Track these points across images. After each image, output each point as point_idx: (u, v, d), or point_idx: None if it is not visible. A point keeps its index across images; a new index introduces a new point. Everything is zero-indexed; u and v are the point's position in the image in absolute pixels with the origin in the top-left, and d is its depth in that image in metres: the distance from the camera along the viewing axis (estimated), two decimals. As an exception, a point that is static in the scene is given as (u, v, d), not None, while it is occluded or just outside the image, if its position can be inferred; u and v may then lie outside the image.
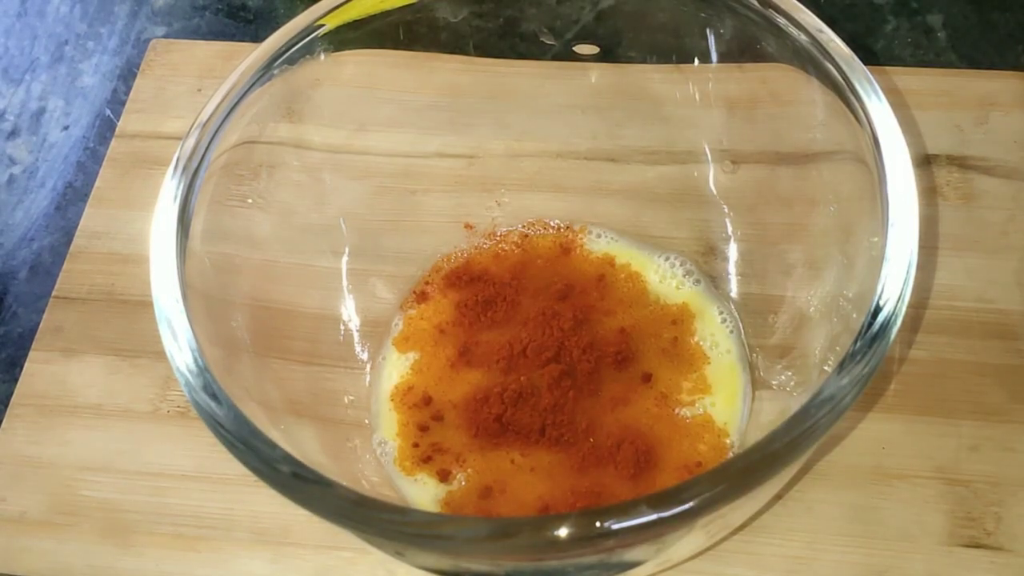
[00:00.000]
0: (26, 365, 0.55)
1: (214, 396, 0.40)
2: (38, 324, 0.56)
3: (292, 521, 0.49)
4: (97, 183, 0.61)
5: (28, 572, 0.50)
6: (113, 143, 0.62)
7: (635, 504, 0.36)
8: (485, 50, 0.55)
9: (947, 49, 0.62)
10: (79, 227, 0.59)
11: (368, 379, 0.53)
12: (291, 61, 0.49)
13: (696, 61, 0.52)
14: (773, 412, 0.49)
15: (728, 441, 0.49)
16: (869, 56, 0.61)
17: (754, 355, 0.52)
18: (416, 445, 0.50)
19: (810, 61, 0.46)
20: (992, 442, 0.49)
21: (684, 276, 0.54)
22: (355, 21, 0.50)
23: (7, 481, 0.52)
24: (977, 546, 0.47)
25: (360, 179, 0.54)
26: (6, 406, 0.54)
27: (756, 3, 0.47)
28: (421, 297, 0.55)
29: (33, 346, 0.56)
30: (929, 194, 0.56)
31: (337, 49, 0.50)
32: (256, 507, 0.50)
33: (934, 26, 0.63)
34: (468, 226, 0.56)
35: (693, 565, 0.47)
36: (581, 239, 0.55)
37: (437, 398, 0.52)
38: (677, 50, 0.52)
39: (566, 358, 0.50)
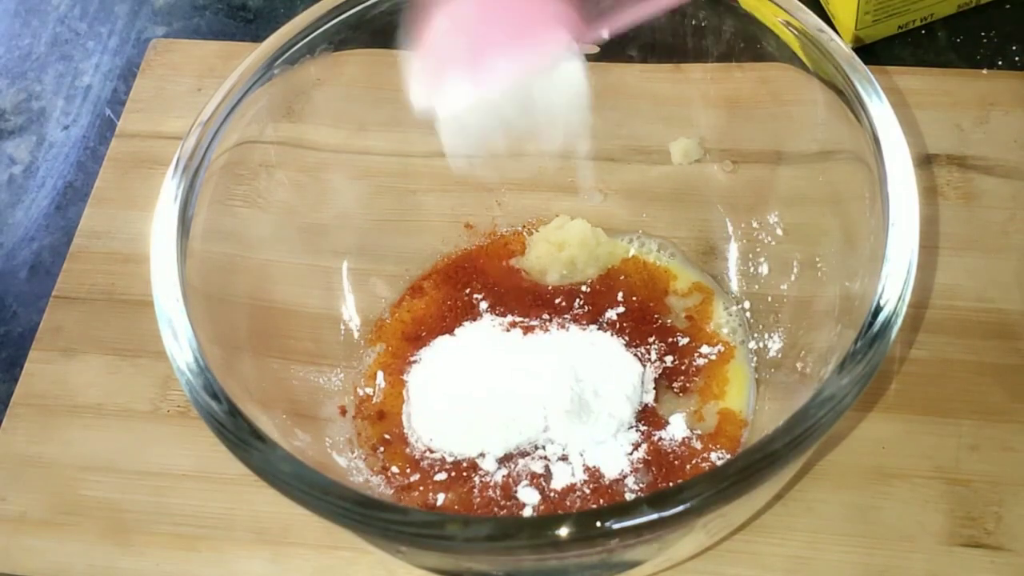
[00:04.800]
0: (26, 365, 0.55)
1: (214, 396, 0.40)
2: (38, 324, 0.56)
3: (292, 521, 0.49)
4: (97, 183, 0.61)
5: (28, 572, 0.50)
6: (113, 143, 0.62)
7: (635, 504, 0.37)
8: (485, 50, 0.55)
9: (947, 49, 0.62)
10: (79, 227, 0.59)
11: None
12: (291, 61, 0.49)
13: (696, 61, 0.52)
14: (773, 411, 0.49)
15: (740, 438, 0.49)
16: (869, 56, 0.61)
17: (755, 355, 0.52)
18: (384, 470, 0.50)
19: (810, 61, 0.46)
20: (992, 442, 0.49)
21: (684, 266, 0.54)
22: (355, 21, 0.50)
23: (7, 481, 0.52)
24: (977, 546, 0.47)
25: (360, 179, 0.54)
26: (6, 406, 0.54)
27: (756, 3, 0.47)
28: (416, 291, 0.55)
29: (33, 346, 0.56)
30: (929, 194, 0.56)
31: (337, 49, 0.50)
32: (256, 507, 0.50)
33: (934, 26, 0.63)
34: (468, 226, 0.56)
35: (693, 565, 0.47)
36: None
37: (392, 413, 0.51)
38: (677, 50, 0.52)
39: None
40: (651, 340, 0.52)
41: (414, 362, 0.52)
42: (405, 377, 0.52)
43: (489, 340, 0.52)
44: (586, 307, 0.53)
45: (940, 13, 0.62)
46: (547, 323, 0.52)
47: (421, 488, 0.49)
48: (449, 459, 0.49)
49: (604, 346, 0.51)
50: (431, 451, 0.50)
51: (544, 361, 0.50)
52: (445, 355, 0.52)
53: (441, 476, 0.49)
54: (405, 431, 0.50)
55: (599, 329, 0.52)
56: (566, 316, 0.53)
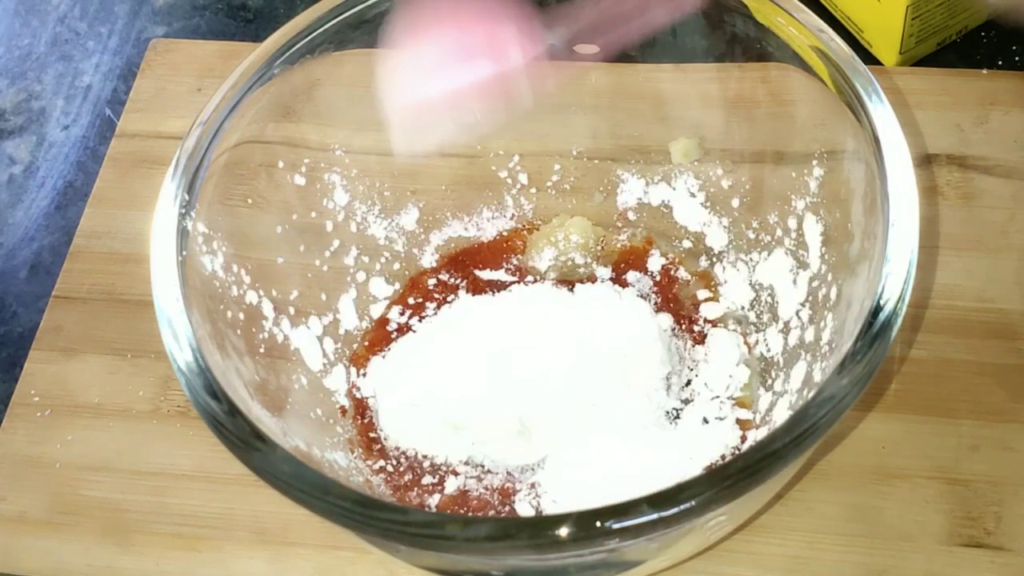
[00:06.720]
0: (26, 365, 0.55)
1: (214, 396, 0.40)
2: (38, 324, 0.56)
3: (292, 521, 0.49)
4: (97, 183, 0.61)
5: (28, 572, 0.50)
6: (113, 143, 0.62)
7: (635, 503, 0.37)
8: (485, 50, 0.55)
9: (947, 49, 0.62)
10: (79, 227, 0.59)
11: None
12: (291, 61, 0.49)
13: (696, 61, 0.52)
14: (774, 411, 0.49)
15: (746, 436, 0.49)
16: (869, 56, 0.61)
17: (755, 355, 0.52)
18: (383, 470, 0.50)
19: (810, 61, 0.46)
20: (992, 442, 0.49)
21: (685, 262, 0.55)
22: (355, 21, 0.50)
23: (7, 481, 0.52)
24: (977, 546, 0.47)
25: (360, 179, 0.54)
26: (6, 406, 0.54)
27: (756, 3, 0.47)
28: (416, 291, 0.55)
29: (33, 346, 0.56)
30: (929, 194, 0.56)
31: (337, 49, 0.50)
32: (256, 507, 0.50)
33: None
34: (469, 226, 0.57)
35: (693, 564, 0.47)
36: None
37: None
38: (677, 50, 0.52)
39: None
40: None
41: (384, 359, 0.53)
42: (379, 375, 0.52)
43: (478, 333, 0.51)
44: (586, 300, 0.53)
45: (973, 24, 0.62)
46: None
47: (418, 488, 0.49)
48: (427, 461, 0.50)
49: (620, 331, 0.50)
50: (398, 449, 0.50)
51: (542, 368, 0.49)
52: (413, 355, 0.52)
53: (429, 479, 0.49)
54: (379, 430, 0.51)
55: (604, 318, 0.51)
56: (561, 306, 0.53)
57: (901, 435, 0.50)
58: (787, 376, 0.49)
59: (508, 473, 0.49)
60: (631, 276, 0.55)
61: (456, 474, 0.49)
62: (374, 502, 0.39)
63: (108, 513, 0.51)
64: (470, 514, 0.48)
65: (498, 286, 0.55)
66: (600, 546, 0.37)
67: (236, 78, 0.48)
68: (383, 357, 0.53)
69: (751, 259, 0.53)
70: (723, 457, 0.48)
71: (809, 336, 0.48)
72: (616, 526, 0.36)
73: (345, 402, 0.52)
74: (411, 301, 0.55)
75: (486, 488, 0.49)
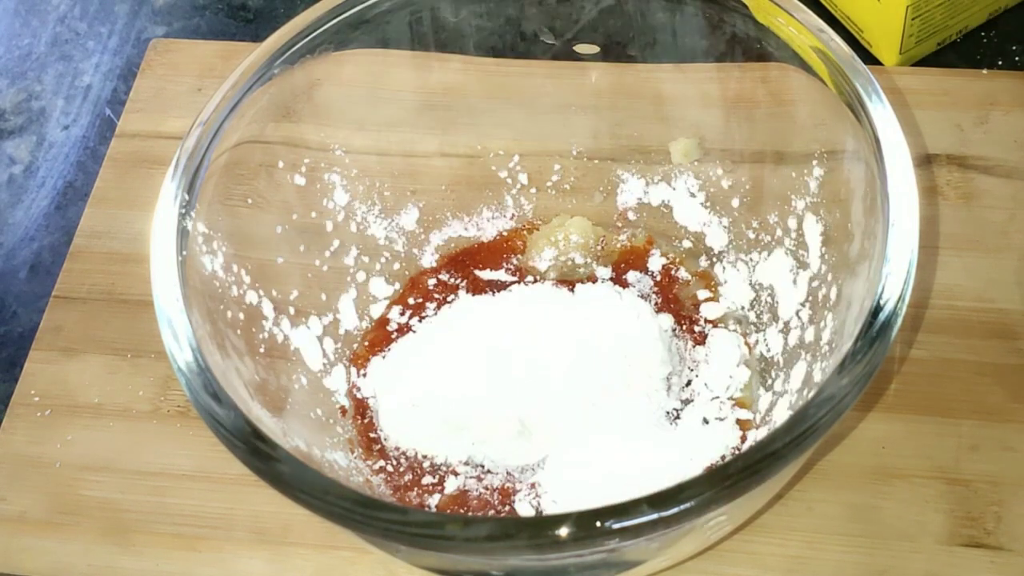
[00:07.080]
0: (26, 365, 0.55)
1: (214, 396, 0.40)
2: (38, 324, 0.56)
3: (292, 521, 0.49)
4: (97, 183, 0.61)
5: (28, 572, 0.50)
6: (113, 143, 0.62)
7: (635, 503, 0.37)
8: (485, 50, 0.55)
9: (947, 49, 0.62)
10: (79, 227, 0.59)
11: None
12: (291, 61, 0.49)
13: (696, 61, 0.52)
14: (774, 411, 0.49)
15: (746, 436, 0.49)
16: (869, 56, 0.61)
17: (755, 355, 0.52)
18: (382, 470, 0.50)
19: (810, 61, 0.46)
20: (992, 442, 0.49)
21: (685, 262, 0.55)
22: (355, 21, 0.50)
23: (7, 481, 0.52)
24: (977, 546, 0.47)
25: (360, 179, 0.54)
26: (6, 406, 0.54)
27: (756, 3, 0.47)
28: (416, 291, 0.55)
29: (33, 346, 0.56)
30: (929, 194, 0.56)
31: (337, 49, 0.50)
32: (256, 507, 0.50)
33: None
34: (469, 226, 0.57)
35: (693, 564, 0.47)
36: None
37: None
38: (677, 50, 0.52)
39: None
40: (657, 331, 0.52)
41: (384, 359, 0.52)
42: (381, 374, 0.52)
43: (478, 333, 0.51)
44: (586, 300, 0.53)
45: (973, 24, 0.62)
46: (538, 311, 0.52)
47: (418, 488, 0.49)
48: (427, 461, 0.50)
49: (618, 339, 0.50)
50: (398, 449, 0.50)
51: (541, 371, 0.49)
52: (413, 355, 0.52)
53: (429, 479, 0.49)
54: (379, 430, 0.51)
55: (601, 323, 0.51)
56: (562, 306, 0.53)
57: (901, 435, 0.50)
58: (787, 376, 0.49)
59: (508, 473, 0.49)
60: (631, 276, 0.55)
61: (456, 474, 0.49)
62: (374, 502, 0.39)
63: (108, 513, 0.51)
64: (470, 514, 0.48)
65: (498, 286, 0.55)
66: (600, 546, 0.37)
67: (236, 78, 0.48)
68: (383, 357, 0.53)
69: (751, 259, 0.53)
70: (723, 457, 0.48)
71: (809, 336, 0.48)
72: (616, 526, 0.36)
73: (345, 402, 0.52)
74: (411, 301, 0.55)
75: (486, 488, 0.49)
